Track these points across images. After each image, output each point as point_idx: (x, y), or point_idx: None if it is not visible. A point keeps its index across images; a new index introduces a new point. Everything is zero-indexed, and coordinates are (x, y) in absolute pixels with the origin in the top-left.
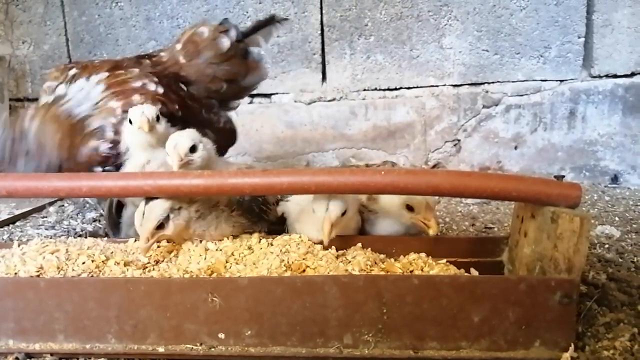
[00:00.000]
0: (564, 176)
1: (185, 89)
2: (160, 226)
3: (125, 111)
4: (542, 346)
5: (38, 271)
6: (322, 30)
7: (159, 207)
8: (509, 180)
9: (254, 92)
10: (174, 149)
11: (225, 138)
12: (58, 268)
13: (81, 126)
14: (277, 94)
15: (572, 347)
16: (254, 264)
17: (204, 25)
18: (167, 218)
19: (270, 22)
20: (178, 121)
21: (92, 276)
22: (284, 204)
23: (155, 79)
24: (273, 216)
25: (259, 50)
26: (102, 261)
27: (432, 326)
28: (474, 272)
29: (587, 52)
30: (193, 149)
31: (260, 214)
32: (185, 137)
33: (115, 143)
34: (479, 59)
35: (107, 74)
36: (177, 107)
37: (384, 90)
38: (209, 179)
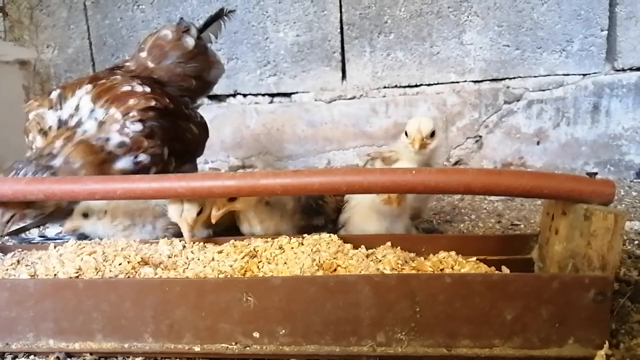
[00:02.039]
0: (596, 173)
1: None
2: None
3: (125, 115)
4: (576, 344)
5: (77, 272)
6: (342, 28)
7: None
8: (540, 177)
9: (275, 91)
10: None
11: (204, 132)
12: (96, 269)
13: (100, 146)
14: (297, 93)
15: (606, 345)
16: (285, 263)
17: (165, 28)
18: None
19: (219, 15)
20: (171, 116)
21: (128, 277)
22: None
23: (139, 81)
24: (330, 209)
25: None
26: (138, 262)
27: (464, 324)
28: (505, 270)
29: (610, 45)
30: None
31: (318, 209)
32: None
33: (131, 149)
34: (500, 55)
35: (90, 85)
36: (168, 100)
37: (405, 87)
38: (242, 180)
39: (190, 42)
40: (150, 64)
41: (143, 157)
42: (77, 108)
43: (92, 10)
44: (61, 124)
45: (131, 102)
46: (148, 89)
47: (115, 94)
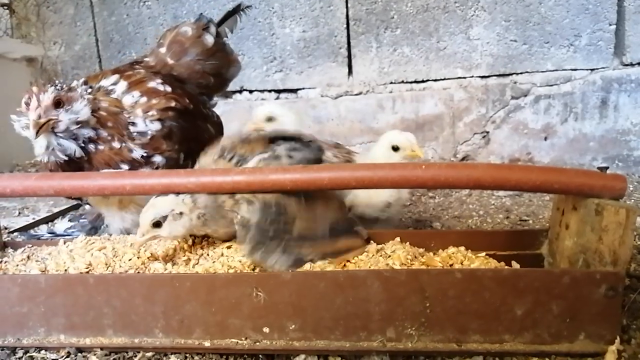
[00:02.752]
0: (607, 167)
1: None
2: (157, 224)
3: (145, 113)
4: (586, 339)
5: (87, 268)
6: (348, 24)
7: (161, 204)
8: (551, 172)
9: (281, 87)
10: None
11: (220, 131)
12: (106, 265)
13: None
14: (303, 89)
15: (617, 340)
16: None
17: (185, 25)
18: (165, 218)
19: (236, 11)
20: (189, 116)
21: (138, 272)
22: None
23: (160, 79)
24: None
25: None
26: (148, 258)
27: (475, 319)
28: (516, 265)
29: (618, 39)
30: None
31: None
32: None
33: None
34: (507, 50)
35: (117, 75)
36: (187, 101)
37: (412, 82)
38: (251, 176)
39: (210, 39)
40: (170, 61)
41: (158, 160)
42: (113, 84)
43: (99, 7)
44: (99, 89)
45: (153, 101)
46: (169, 89)
47: (145, 87)
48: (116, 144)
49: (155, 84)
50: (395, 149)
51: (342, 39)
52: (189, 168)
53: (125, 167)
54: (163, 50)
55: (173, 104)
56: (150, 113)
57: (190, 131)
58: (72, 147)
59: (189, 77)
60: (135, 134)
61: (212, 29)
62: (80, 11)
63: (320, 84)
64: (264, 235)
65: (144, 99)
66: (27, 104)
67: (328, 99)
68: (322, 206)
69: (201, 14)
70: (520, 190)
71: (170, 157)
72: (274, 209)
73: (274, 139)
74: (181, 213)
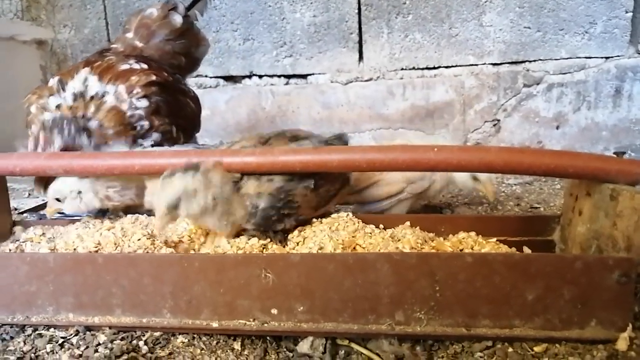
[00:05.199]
0: (624, 152)
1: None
2: (175, 206)
3: (129, 93)
4: (598, 326)
5: (96, 247)
6: (359, 9)
7: (171, 186)
8: (565, 156)
9: (290, 73)
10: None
11: (199, 107)
12: (115, 244)
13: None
14: (313, 74)
15: (630, 327)
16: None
17: (150, 7)
18: (179, 200)
19: None
20: (170, 90)
21: (147, 252)
22: None
23: (134, 59)
24: (306, 209)
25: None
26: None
27: (485, 304)
28: (527, 250)
29: (634, 27)
30: None
31: (281, 218)
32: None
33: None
34: (520, 37)
35: (88, 68)
36: (165, 74)
37: (422, 69)
38: (261, 157)
39: (178, 19)
40: (139, 44)
41: (155, 136)
42: (85, 85)
43: None
44: (76, 97)
45: (133, 79)
46: (145, 65)
47: (116, 71)
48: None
49: (129, 64)
50: (475, 179)
51: (353, 24)
52: (182, 141)
53: None
54: (130, 35)
55: (153, 77)
56: (134, 92)
57: (174, 105)
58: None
59: (160, 58)
60: (136, 125)
61: (180, 8)
62: None
63: (330, 69)
64: (267, 219)
65: (122, 83)
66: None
67: (338, 84)
68: (327, 187)
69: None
70: (534, 174)
71: (165, 131)
72: (282, 197)
73: (294, 138)
74: (195, 190)
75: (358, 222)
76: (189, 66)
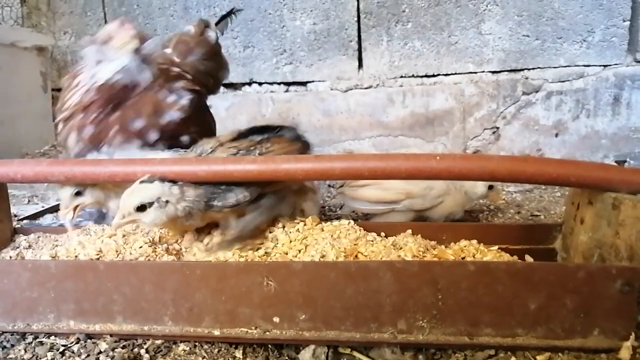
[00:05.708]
0: (625, 161)
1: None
2: (142, 208)
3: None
4: (600, 335)
5: (98, 254)
6: (359, 17)
7: (147, 190)
8: (568, 165)
9: (290, 80)
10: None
11: (214, 125)
12: (116, 251)
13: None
14: (313, 82)
15: (632, 336)
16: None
17: (188, 25)
18: (151, 204)
19: (229, 14)
20: (203, 102)
21: (149, 259)
22: None
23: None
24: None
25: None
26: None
27: (487, 313)
28: (529, 259)
29: (632, 36)
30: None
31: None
32: None
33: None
34: (519, 45)
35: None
36: (199, 87)
37: (422, 77)
38: (262, 165)
39: (212, 35)
40: (176, 59)
41: (185, 139)
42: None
43: None
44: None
45: (180, 83)
46: (189, 76)
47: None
48: (160, 94)
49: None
50: (490, 187)
51: (353, 32)
52: None
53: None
54: (169, 51)
55: (197, 87)
56: (180, 86)
57: (202, 117)
58: (147, 73)
59: (194, 77)
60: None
61: (213, 26)
62: (90, 1)
63: (330, 77)
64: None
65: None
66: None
67: (338, 92)
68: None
69: (200, 18)
70: (536, 183)
71: (193, 139)
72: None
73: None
74: (167, 202)
75: (360, 230)
76: (213, 88)
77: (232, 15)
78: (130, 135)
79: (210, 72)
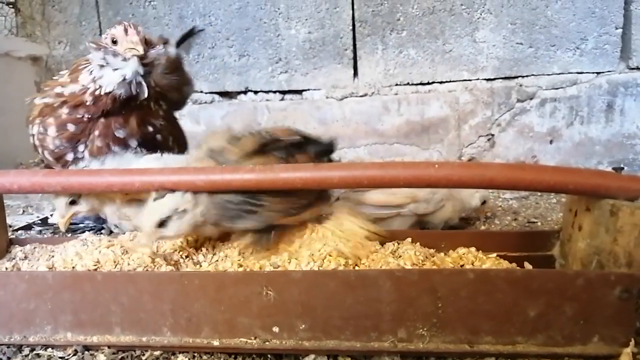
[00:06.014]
0: (623, 168)
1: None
2: (162, 224)
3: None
4: (600, 342)
5: (95, 265)
6: (354, 25)
7: (163, 205)
8: (565, 172)
9: (286, 89)
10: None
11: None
12: (114, 262)
13: None
14: (308, 90)
15: (632, 343)
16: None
17: None
18: (169, 218)
19: (190, 34)
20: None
21: (147, 270)
22: None
23: None
24: (270, 213)
25: None
26: (155, 253)
27: (487, 320)
28: (528, 266)
29: (625, 43)
30: None
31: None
32: None
33: None
34: (513, 53)
35: None
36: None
37: (417, 85)
38: (261, 174)
39: (172, 50)
40: None
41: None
42: None
43: (104, 7)
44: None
45: None
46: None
47: None
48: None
49: None
50: (484, 203)
51: (348, 40)
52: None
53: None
54: None
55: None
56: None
57: (173, 120)
58: (144, 87)
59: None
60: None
61: (172, 41)
62: (85, 10)
63: (326, 85)
64: (225, 210)
65: None
66: (115, 41)
67: (333, 100)
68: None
69: (161, 35)
70: (534, 190)
71: (164, 136)
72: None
73: (266, 144)
74: (185, 210)
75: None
76: (178, 104)
77: (194, 35)
78: (112, 141)
79: (174, 86)
